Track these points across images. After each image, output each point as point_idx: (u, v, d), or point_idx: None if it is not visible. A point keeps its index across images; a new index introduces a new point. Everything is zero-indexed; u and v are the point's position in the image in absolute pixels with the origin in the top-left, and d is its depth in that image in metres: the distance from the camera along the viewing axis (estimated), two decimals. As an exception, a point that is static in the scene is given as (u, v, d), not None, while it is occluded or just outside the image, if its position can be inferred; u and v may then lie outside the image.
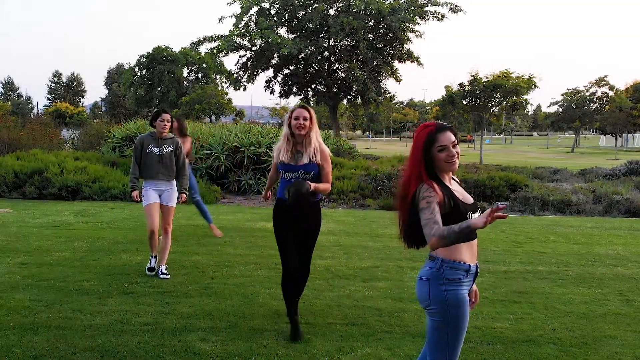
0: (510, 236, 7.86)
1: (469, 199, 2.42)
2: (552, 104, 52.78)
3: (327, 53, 28.80)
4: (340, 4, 27.62)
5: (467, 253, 2.34)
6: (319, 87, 30.39)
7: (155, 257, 5.39)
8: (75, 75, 79.15)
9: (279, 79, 30.62)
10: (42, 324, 3.97)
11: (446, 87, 29.59)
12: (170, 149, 5.33)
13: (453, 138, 2.33)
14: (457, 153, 2.34)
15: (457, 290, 2.29)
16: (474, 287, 2.53)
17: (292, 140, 3.83)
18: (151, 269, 5.36)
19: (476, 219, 2.10)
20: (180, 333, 3.87)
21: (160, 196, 5.33)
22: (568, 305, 4.69)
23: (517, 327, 4.16)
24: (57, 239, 6.88)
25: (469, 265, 2.34)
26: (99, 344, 3.64)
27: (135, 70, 44.22)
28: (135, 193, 5.26)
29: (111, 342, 3.68)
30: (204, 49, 30.73)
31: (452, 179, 2.48)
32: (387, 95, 31.86)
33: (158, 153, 5.27)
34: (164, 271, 5.27)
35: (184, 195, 5.43)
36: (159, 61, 43.26)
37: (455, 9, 26.68)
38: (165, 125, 5.27)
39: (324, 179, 3.84)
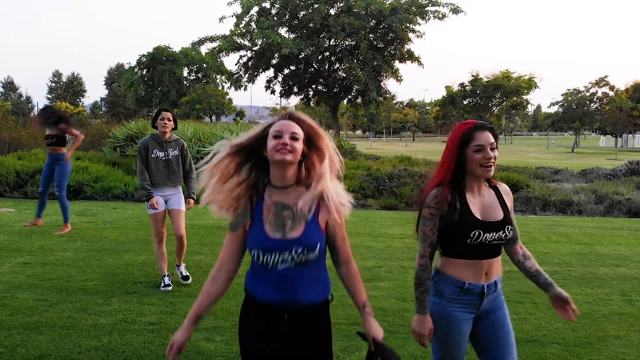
0: (512, 236, 7.85)
1: (492, 215, 2.17)
2: (553, 104, 52.87)
3: (327, 53, 28.85)
4: (341, 4, 27.66)
5: (467, 270, 2.16)
6: (320, 87, 30.43)
7: (169, 275, 5.00)
8: (75, 74, 79.22)
9: (280, 79, 30.68)
10: (46, 324, 3.98)
11: (447, 87, 29.68)
12: (176, 152, 4.97)
13: (492, 139, 2.12)
14: (495, 157, 2.12)
15: (443, 305, 2.18)
16: (563, 294, 2.23)
17: (255, 182, 1.99)
18: (167, 285, 4.90)
19: (426, 321, 2.14)
20: (184, 333, 3.87)
21: (166, 202, 4.97)
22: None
23: (520, 327, 4.16)
24: (60, 239, 6.88)
25: (465, 283, 2.15)
26: (103, 344, 3.64)
27: (136, 70, 44.29)
28: (153, 201, 4.81)
29: (116, 341, 3.69)
30: (204, 48, 30.81)
31: (494, 187, 2.26)
32: (388, 95, 31.87)
33: (164, 158, 4.89)
34: (184, 273, 5.05)
35: (192, 201, 5.03)
36: (159, 61, 43.33)
37: (455, 10, 26.74)
38: (166, 123, 4.88)
39: (341, 254, 2.06)
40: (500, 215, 2.19)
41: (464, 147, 2.12)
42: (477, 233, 2.11)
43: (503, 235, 2.17)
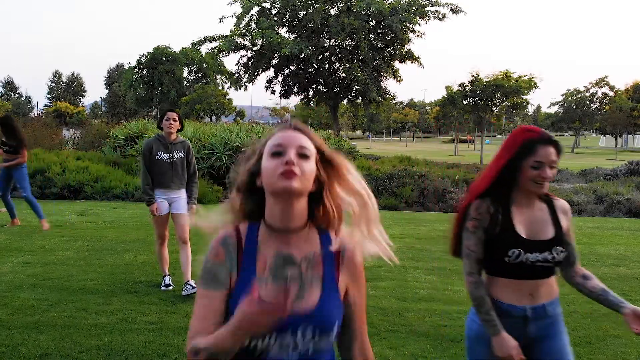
0: (512, 236, 7.86)
1: (540, 233, 1.95)
2: (553, 104, 52.95)
3: (327, 53, 28.87)
4: (341, 4, 27.67)
5: (507, 290, 1.95)
6: (320, 87, 30.45)
7: (169, 275, 4.95)
8: (75, 74, 79.28)
9: (280, 79, 30.69)
10: (47, 323, 3.99)
11: (447, 87, 29.69)
12: (181, 154, 4.82)
13: (554, 157, 1.89)
14: (553, 175, 1.90)
15: (483, 327, 1.96)
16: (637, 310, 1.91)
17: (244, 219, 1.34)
18: (167, 285, 4.88)
19: (504, 342, 1.85)
20: (185, 332, 3.86)
21: (170, 204, 4.84)
22: (571, 305, 4.70)
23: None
24: (61, 238, 6.89)
25: (503, 305, 1.94)
26: (104, 343, 3.65)
27: (136, 70, 44.29)
28: (153, 207, 4.72)
29: (117, 340, 3.70)
30: (204, 48, 30.84)
31: (549, 202, 2.02)
32: (388, 96, 31.89)
33: (168, 160, 4.75)
34: (194, 285, 4.69)
35: (194, 207, 4.87)
36: (159, 61, 43.33)
37: (455, 10, 26.75)
38: (172, 124, 4.75)
39: (356, 338, 1.42)
40: (549, 234, 1.95)
41: (521, 158, 1.89)
42: (516, 252, 1.89)
43: (550, 257, 1.92)
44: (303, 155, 1.26)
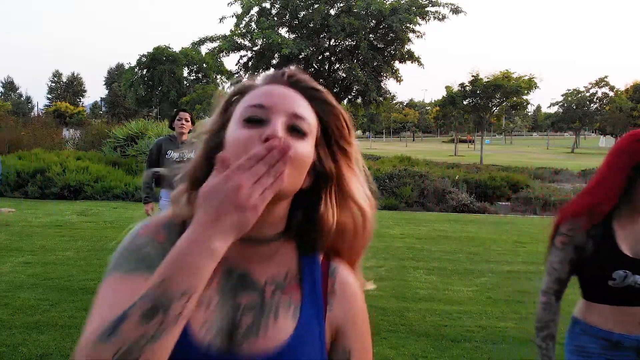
0: (512, 236, 7.88)
1: None
2: (553, 104, 53.01)
3: (327, 53, 28.88)
4: (341, 4, 27.68)
5: (616, 318, 1.70)
6: (320, 88, 30.46)
7: None
8: (75, 75, 79.30)
9: (280, 79, 30.70)
10: (48, 323, 3.99)
11: (447, 87, 29.71)
12: (192, 155, 4.86)
13: None
14: None
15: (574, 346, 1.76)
16: None
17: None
18: None
19: None
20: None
21: None
22: (571, 305, 4.68)
23: (521, 326, 4.17)
24: (61, 238, 6.90)
25: (612, 334, 1.69)
26: (105, 343, 3.65)
27: (136, 70, 44.33)
28: (149, 207, 4.70)
29: (117, 340, 3.70)
30: (204, 48, 30.83)
31: None
32: (388, 96, 31.89)
33: (178, 159, 4.69)
34: None
35: None
36: (159, 61, 43.36)
37: (456, 10, 26.74)
38: (184, 124, 4.76)
39: None
40: None
41: (637, 174, 1.64)
42: (622, 274, 1.64)
43: None
44: (296, 130, 0.77)
